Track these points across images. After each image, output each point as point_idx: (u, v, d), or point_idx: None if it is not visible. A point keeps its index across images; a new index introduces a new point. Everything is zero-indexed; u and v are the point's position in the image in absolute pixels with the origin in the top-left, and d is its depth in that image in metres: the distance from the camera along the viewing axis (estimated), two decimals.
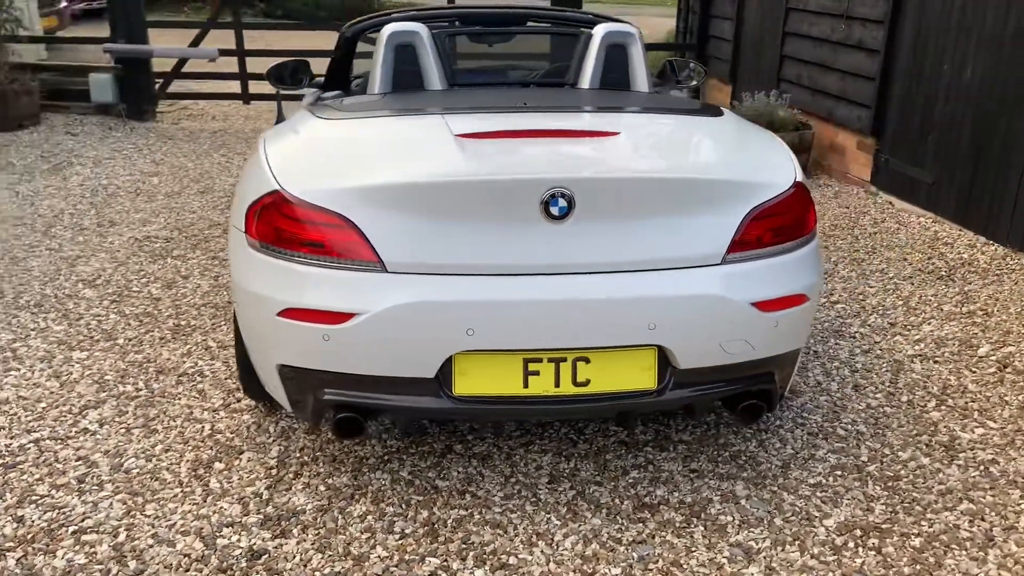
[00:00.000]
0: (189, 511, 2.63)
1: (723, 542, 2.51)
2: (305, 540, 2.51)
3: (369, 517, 2.61)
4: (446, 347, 2.42)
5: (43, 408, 3.20)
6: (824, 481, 2.81)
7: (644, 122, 2.94)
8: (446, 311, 2.39)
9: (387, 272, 2.43)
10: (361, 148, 2.73)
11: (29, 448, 2.94)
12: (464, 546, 2.49)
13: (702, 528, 2.58)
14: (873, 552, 2.48)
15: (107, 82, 8.52)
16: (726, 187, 2.55)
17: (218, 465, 2.86)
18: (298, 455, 2.91)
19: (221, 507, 2.64)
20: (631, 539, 2.52)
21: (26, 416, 3.15)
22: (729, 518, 2.62)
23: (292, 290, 2.47)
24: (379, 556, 2.45)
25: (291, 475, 2.80)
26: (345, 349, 2.45)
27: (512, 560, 2.43)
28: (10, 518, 2.58)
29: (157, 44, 8.88)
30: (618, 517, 2.62)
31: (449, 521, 2.59)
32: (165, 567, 2.39)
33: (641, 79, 3.46)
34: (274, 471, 2.82)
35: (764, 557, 2.46)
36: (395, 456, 2.92)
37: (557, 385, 2.50)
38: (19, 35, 8.80)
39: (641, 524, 2.59)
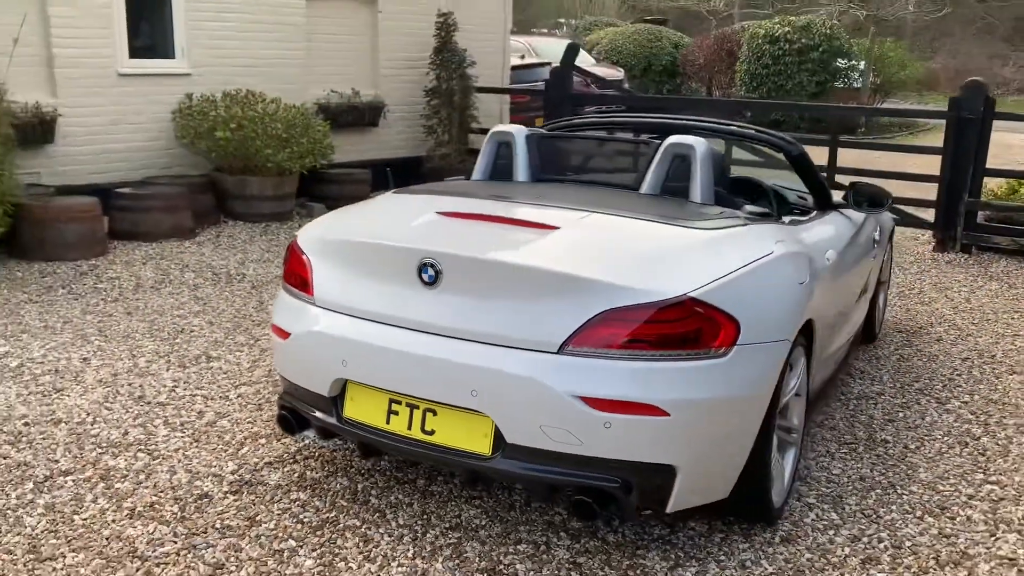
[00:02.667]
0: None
1: None
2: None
3: None
4: (329, 372, 2.96)
5: None
6: None
7: (600, 222, 3.09)
8: (331, 342, 2.95)
9: (314, 305, 3.08)
10: (364, 213, 3.41)
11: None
12: None
13: None
14: None
15: None
16: (580, 284, 2.67)
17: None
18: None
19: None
20: None
21: None
22: None
23: (275, 312, 3.25)
24: None
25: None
26: (287, 359, 3.14)
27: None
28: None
29: None
30: None
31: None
32: None
33: (698, 188, 3.52)
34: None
35: None
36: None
37: (409, 428, 2.86)
38: None
39: None
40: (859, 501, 3.42)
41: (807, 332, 3.30)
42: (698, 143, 3.54)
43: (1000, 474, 3.70)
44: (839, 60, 18.07)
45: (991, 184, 8.73)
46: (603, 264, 2.76)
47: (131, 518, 3.09)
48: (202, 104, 8.12)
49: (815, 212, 4.13)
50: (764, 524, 3.19)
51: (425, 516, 3.17)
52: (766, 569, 2.93)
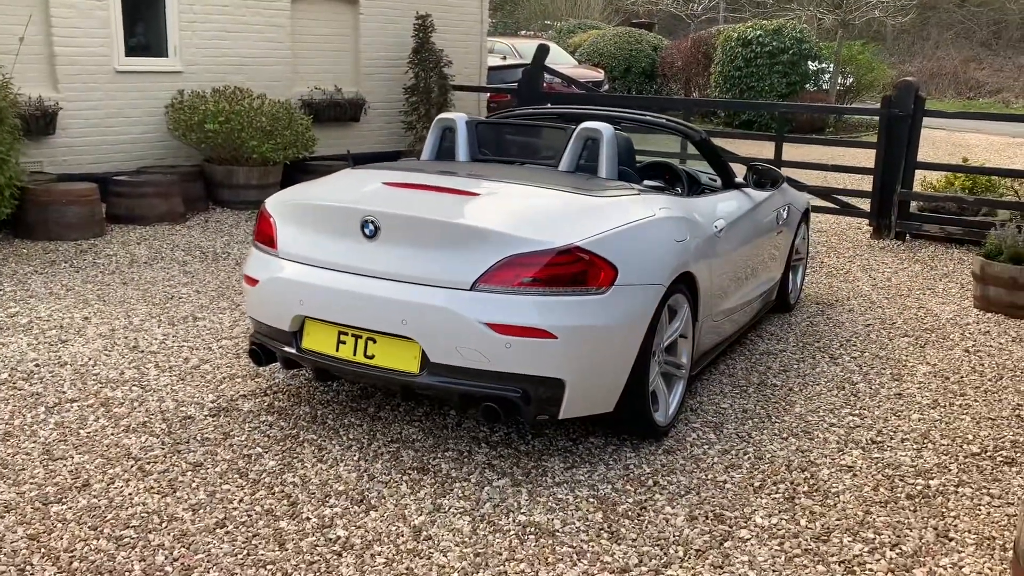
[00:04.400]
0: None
1: None
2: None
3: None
4: (289, 310, 3.63)
5: None
6: None
7: (513, 190, 3.77)
8: (290, 286, 3.62)
9: (277, 256, 3.75)
10: (323, 183, 4.08)
11: None
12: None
13: None
14: None
15: None
16: (488, 235, 3.35)
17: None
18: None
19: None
20: None
21: None
22: None
23: (246, 265, 3.91)
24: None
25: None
26: (256, 303, 3.81)
27: None
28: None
29: None
30: None
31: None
32: None
33: (603, 165, 4.20)
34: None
35: None
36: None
37: (355, 354, 3.53)
38: None
39: None
40: (737, 427, 4.09)
41: (690, 284, 3.97)
42: (605, 128, 4.22)
43: (864, 410, 4.38)
44: (809, 63, 18.80)
45: (931, 177, 9.40)
46: (508, 221, 3.43)
47: (127, 432, 3.75)
48: (193, 99, 8.78)
49: (718, 190, 4.81)
50: (651, 440, 3.86)
51: (372, 433, 3.84)
52: (645, 470, 3.60)
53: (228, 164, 8.70)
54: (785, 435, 4.03)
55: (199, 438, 3.72)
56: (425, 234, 3.43)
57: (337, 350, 3.57)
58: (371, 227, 3.49)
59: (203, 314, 5.43)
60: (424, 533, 3.07)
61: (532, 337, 3.28)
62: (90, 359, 4.58)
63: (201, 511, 3.15)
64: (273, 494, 3.29)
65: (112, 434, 3.73)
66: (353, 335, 3.53)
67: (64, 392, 4.14)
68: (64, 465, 3.45)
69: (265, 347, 3.81)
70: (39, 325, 5.08)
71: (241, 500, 3.23)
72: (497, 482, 3.45)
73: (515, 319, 3.28)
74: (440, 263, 3.38)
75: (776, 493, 3.48)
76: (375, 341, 3.49)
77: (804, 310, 6.19)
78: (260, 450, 3.63)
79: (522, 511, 3.24)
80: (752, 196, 5.02)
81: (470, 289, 3.33)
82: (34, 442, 3.63)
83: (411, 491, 3.35)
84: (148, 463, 3.49)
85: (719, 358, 4.93)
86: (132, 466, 3.45)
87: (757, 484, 3.54)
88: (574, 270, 3.34)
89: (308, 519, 3.13)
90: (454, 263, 3.36)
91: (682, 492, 3.44)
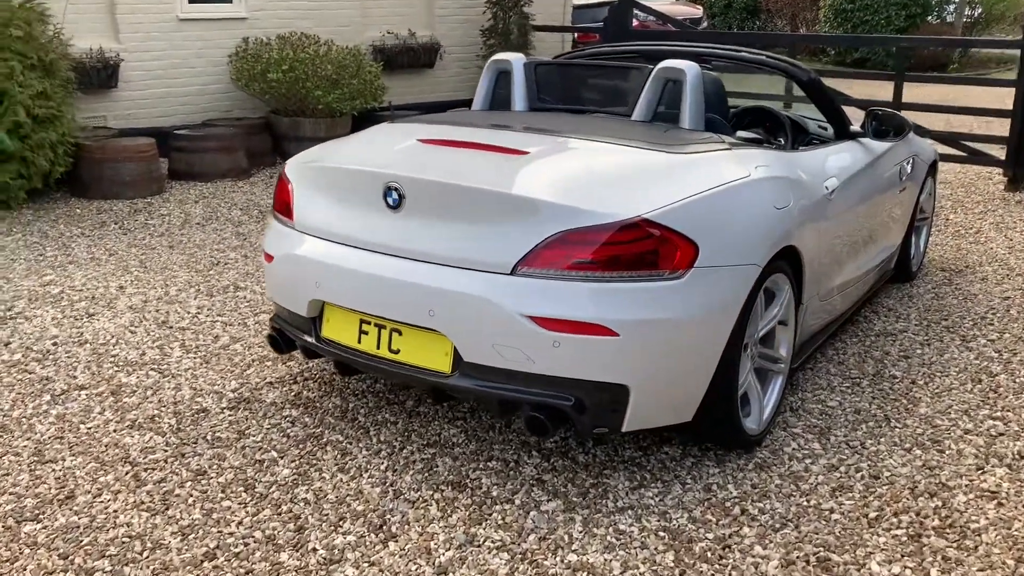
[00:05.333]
0: None
1: None
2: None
3: None
4: (305, 293, 3.07)
5: None
6: None
7: (572, 147, 3.08)
8: (306, 265, 3.05)
9: (294, 229, 3.18)
10: (351, 142, 3.47)
11: None
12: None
13: None
14: None
15: None
16: (532, 206, 2.69)
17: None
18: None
19: None
20: None
21: None
22: None
23: (265, 238, 3.37)
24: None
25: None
26: (272, 282, 3.27)
27: None
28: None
29: None
30: None
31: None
32: None
33: (687, 113, 3.45)
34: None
35: None
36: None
37: (378, 347, 2.95)
38: None
39: None
40: (847, 433, 3.37)
41: (792, 259, 3.23)
42: (689, 67, 3.47)
43: (1008, 410, 3.58)
44: None
45: None
46: (559, 187, 2.76)
47: (131, 429, 3.30)
48: (256, 48, 8.31)
49: (829, 141, 4.00)
50: (740, 451, 3.18)
51: (406, 434, 3.29)
52: (731, 493, 2.94)
53: (294, 116, 8.23)
54: (908, 445, 3.29)
55: (209, 438, 3.24)
56: (456, 204, 2.80)
57: (359, 342, 3.01)
58: (395, 195, 2.88)
59: (246, 283, 4.97)
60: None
61: (587, 334, 2.63)
62: (113, 336, 4.16)
63: (192, 536, 2.66)
64: (279, 514, 2.77)
65: (114, 431, 3.28)
66: (376, 324, 2.96)
67: (75, 377, 3.73)
68: (52, 470, 3.01)
69: (284, 333, 3.28)
70: (69, 296, 4.71)
71: (240, 523, 2.73)
72: (546, 505, 2.84)
73: (565, 312, 2.63)
74: (474, 240, 2.75)
75: (897, 528, 2.76)
76: (400, 333, 2.91)
77: (928, 279, 5.32)
78: (275, 454, 3.13)
79: (573, 547, 2.63)
80: (871, 148, 4.19)
81: (510, 273, 2.69)
82: (28, 439, 3.21)
83: (442, 514, 2.78)
84: (145, 469, 3.02)
85: (827, 341, 4.17)
86: (127, 473, 3.00)
87: (873, 515, 2.83)
88: (642, 249, 2.66)
89: (315, 550, 2.60)
90: (491, 241, 2.73)
91: (777, 524, 2.76)
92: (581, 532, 2.70)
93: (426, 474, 3.01)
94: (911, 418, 3.50)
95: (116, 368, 3.82)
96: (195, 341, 4.13)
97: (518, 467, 3.07)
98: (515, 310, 2.65)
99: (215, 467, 3.04)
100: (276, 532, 2.68)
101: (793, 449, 3.24)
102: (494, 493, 2.91)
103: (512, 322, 2.65)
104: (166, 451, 3.14)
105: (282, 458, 3.11)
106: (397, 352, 2.92)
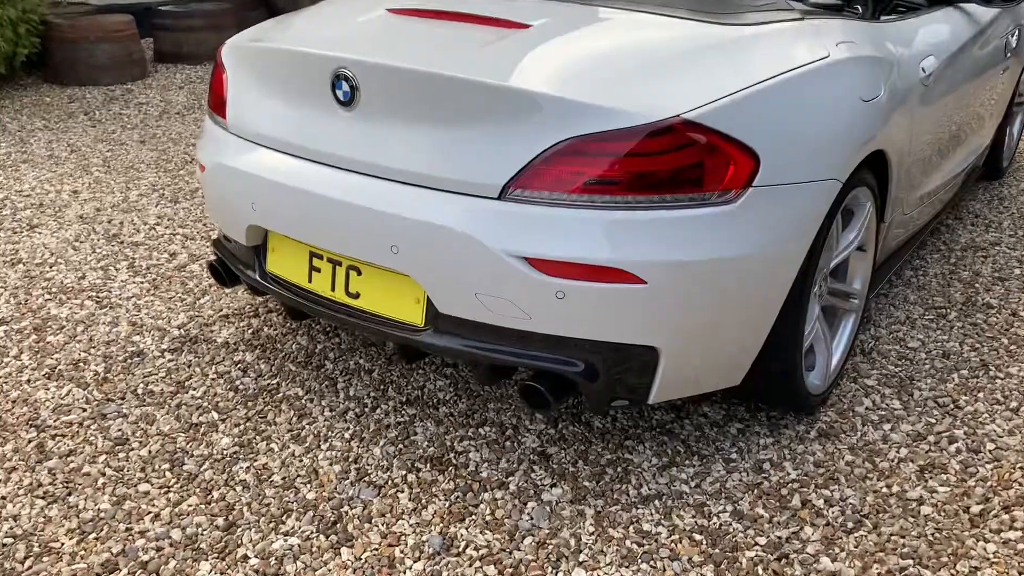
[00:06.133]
0: None
1: None
2: None
3: None
4: (240, 216, 2.39)
5: None
6: None
7: (591, 17, 2.29)
8: (239, 179, 2.35)
9: (227, 131, 2.47)
10: (309, 14, 2.71)
11: None
12: None
13: None
14: None
15: None
16: (532, 102, 1.93)
17: None
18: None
19: None
20: None
21: None
22: None
23: (198, 141, 2.66)
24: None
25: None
26: (207, 199, 2.58)
27: None
28: None
29: None
30: None
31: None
32: None
33: None
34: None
35: None
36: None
37: (333, 288, 2.28)
38: None
39: None
40: (934, 386, 2.67)
41: (877, 167, 2.47)
42: None
43: None
44: None
45: None
46: (567, 75, 1.99)
47: (48, 379, 2.70)
48: None
49: (923, 8, 3.14)
50: (799, 415, 2.51)
51: (382, 388, 2.65)
52: (788, 475, 2.28)
53: None
54: (1015, 403, 2.59)
55: (140, 391, 2.64)
56: (425, 100, 2.05)
57: (310, 280, 2.33)
58: (345, 87, 2.14)
59: None
60: None
61: (603, 282, 1.92)
62: (52, 255, 3.54)
63: (93, 536, 2.08)
64: (208, 504, 2.18)
65: (28, 380, 2.69)
66: (329, 260, 2.27)
67: None
68: None
69: (226, 264, 2.62)
70: (13, 203, 4.07)
71: (157, 516, 2.14)
72: (549, 493, 2.21)
73: (573, 252, 1.92)
74: (449, 151, 2.02)
75: (1010, 528, 2.11)
76: (359, 273, 2.22)
77: (1021, 176, 4.49)
78: (216, 416, 2.52)
79: (581, 559, 2.01)
80: (973, 15, 3.31)
81: (498, 198, 1.97)
82: None
83: (414, 506, 2.17)
84: (53, 436, 2.43)
85: (896, 258, 3.42)
86: (29, 442, 2.41)
87: (975, 508, 2.17)
88: (681, 163, 1.91)
89: (245, 558, 2.01)
90: (472, 152, 2.00)
91: (849, 523, 2.11)
92: (592, 533, 2.08)
93: (400, 445, 2.39)
94: (1015, 365, 2.79)
95: (48, 296, 3.21)
96: (147, 260, 3.49)
97: (517, 436, 2.43)
98: (503, 249, 1.94)
99: (139, 433, 2.44)
100: (200, 531, 2.09)
101: (866, 409, 2.56)
102: (483, 474, 2.28)
103: (500, 265, 1.95)
104: (84, 411, 2.54)
105: (223, 422, 2.50)
106: (356, 296, 2.24)
